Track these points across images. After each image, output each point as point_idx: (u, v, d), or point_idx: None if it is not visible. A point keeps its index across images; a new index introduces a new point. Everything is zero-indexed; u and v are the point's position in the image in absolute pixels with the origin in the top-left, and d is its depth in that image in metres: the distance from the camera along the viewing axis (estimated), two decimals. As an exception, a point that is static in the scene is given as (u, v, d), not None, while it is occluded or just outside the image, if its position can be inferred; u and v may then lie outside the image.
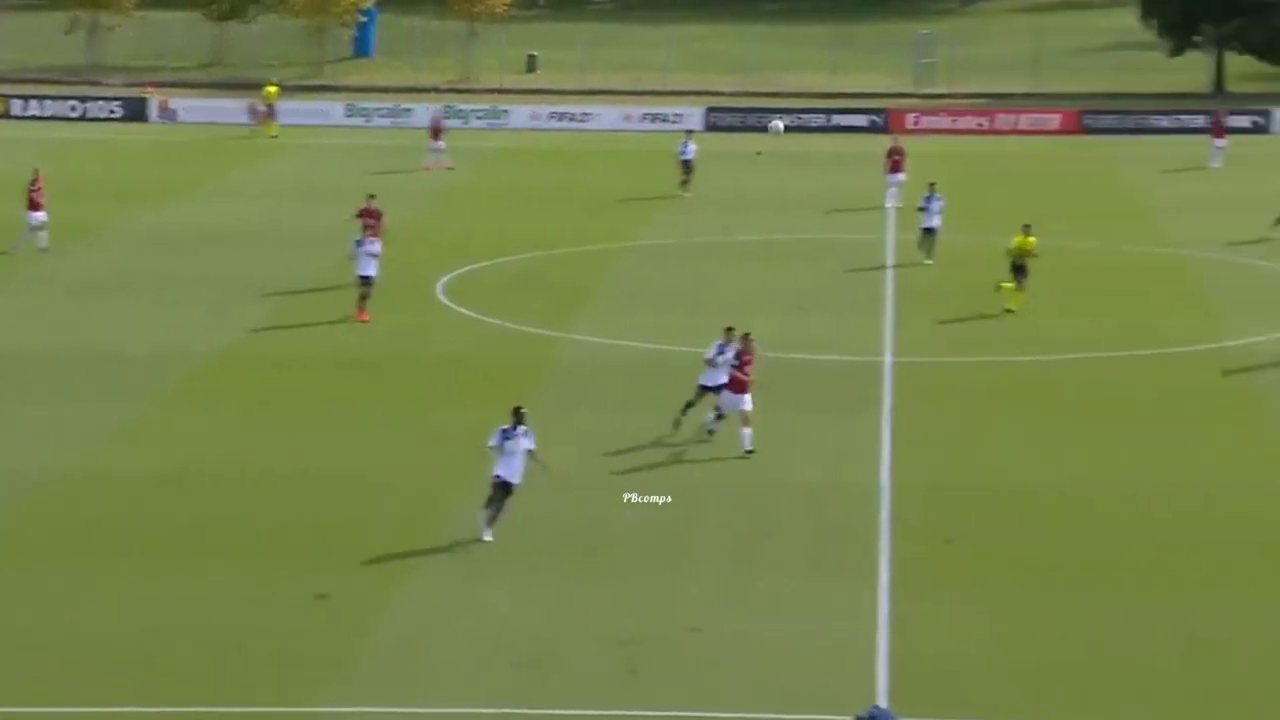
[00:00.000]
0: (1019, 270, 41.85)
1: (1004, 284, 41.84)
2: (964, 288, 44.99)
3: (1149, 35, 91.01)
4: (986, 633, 24.07)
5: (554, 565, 26.46)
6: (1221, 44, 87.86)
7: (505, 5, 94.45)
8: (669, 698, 22.12)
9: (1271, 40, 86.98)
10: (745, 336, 31.79)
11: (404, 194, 56.96)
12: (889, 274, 47.28)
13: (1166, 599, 25.27)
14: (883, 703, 21.23)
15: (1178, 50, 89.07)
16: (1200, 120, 75.50)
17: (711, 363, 31.84)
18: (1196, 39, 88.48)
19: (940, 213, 47.72)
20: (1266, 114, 77.00)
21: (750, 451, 30.99)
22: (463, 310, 43.17)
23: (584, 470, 30.38)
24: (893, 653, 23.34)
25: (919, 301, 43.98)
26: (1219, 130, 67.27)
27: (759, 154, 68.81)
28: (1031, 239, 42.22)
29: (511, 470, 26.82)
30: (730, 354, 31.62)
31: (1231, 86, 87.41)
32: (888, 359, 38.52)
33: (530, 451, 27.04)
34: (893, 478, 30.46)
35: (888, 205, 55.79)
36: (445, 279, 46.23)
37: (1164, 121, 77.91)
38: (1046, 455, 31.87)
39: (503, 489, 26.84)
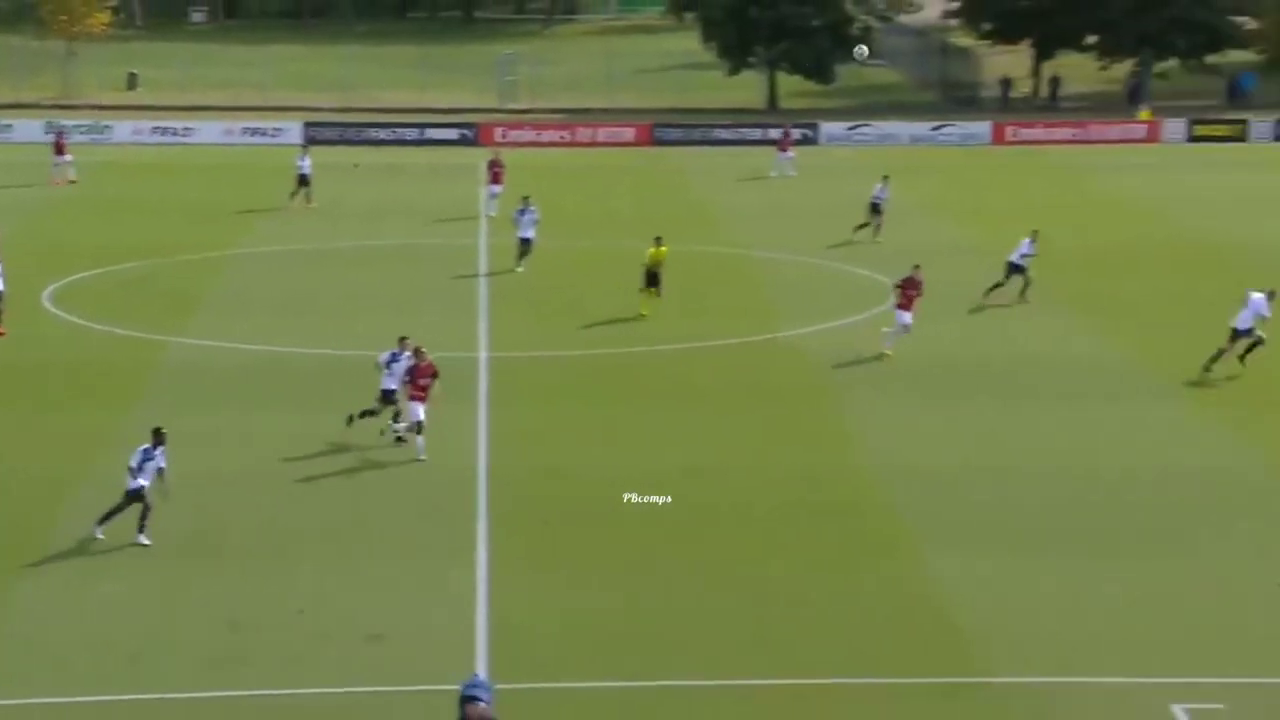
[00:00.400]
0: (652, 277, 42.28)
1: (644, 304, 42.26)
2: (553, 289, 45.52)
3: (710, 56, 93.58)
4: (577, 603, 24.42)
5: (168, 560, 25.79)
6: (773, 65, 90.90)
7: (103, 25, 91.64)
8: (277, 679, 21.87)
9: (817, 61, 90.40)
10: (417, 350, 31.06)
11: (6, 207, 54.70)
12: (483, 278, 47.42)
13: (733, 565, 25.98)
14: (481, 672, 21.34)
15: (735, 70, 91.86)
16: (757, 133, 78.43)
17: (386, 368, 31.17)
18: (751, 60, 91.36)
19: (534, 224, 48.08)
20: (815, 127, 79.96)
21: (421, 459, 30.47)
22: (70, 318, 41.71)
23: (197, 469, 29.67)
24: (491, 626, 23.51)
25: (512, 302, 44.28)
26: (785, 143, 69.41)
27: (356, 166, 68.40)
28: (664, 249, 42.68)
29: (142, 484, 26.09)
30: (404, 364, 30.98)
31: (784, 103, 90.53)
32: (483, 355, 38.69)
33: (161, 470, 26.34)
34: (489, 464, 30.60)
35: (487, 214, 56.00)
36: (52, 288, 44.60)
37: (726, 134, 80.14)
38: (627, 440, 32.41)
39: (132, 498, 26.09)
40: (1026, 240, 44.02)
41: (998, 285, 43.55)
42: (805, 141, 76.74)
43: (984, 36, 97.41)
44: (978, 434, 32.77)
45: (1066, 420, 33.53)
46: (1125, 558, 26.19)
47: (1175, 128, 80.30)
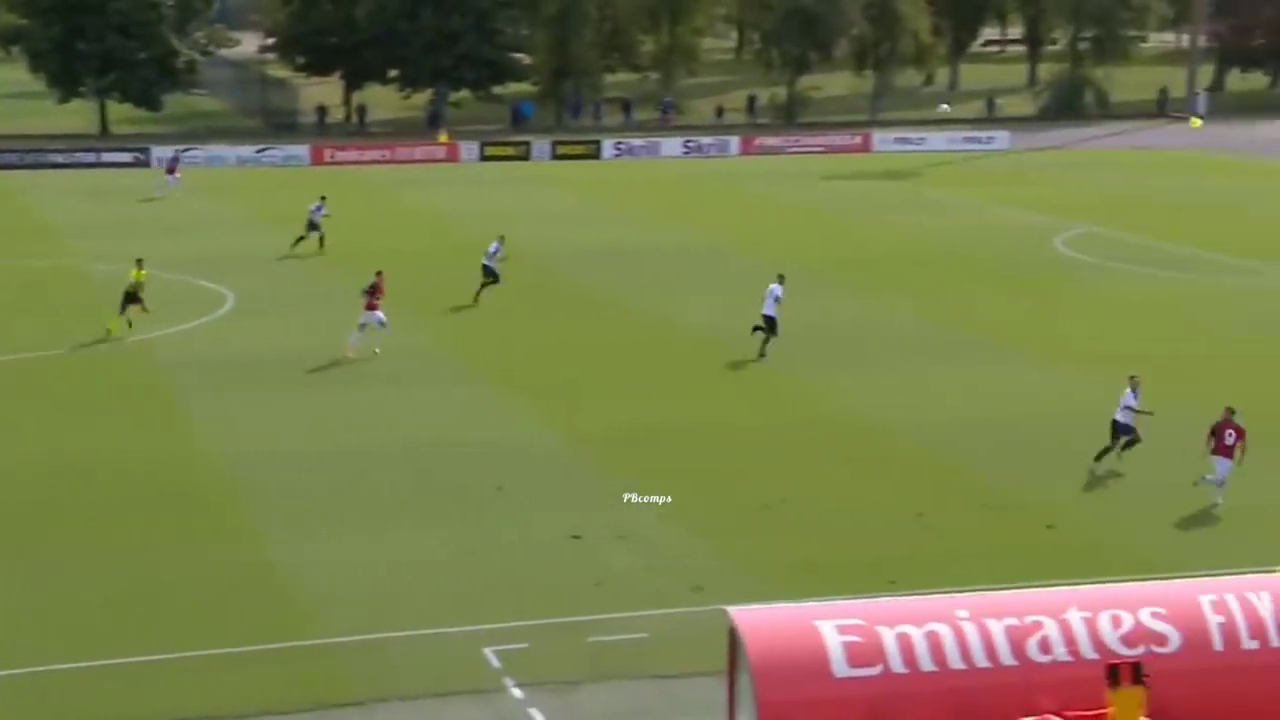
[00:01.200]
0: (130, 298, 39.22)
1: (114, 323, 39.11)
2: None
3: (40, 86, 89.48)
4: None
5: None
6: (102, 94, 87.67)
7: None
8: None
9: (145, 91, 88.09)
10: None
11: None
12: None
13: (84, 552, 24.82)
14: None
15: (65, 99, 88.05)
16: (91, 156, 75.77)
17: None
18: (82, 89, 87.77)
19: None
20: (146, 150, 77.42)
21: None
22: None
23: None
24: None
25: None
26: (172, 168, 67.45)
27: None
28: (144, 272, 39.95)
29: None
30: None
31: (117, 129, 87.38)
32: None
33: None
34: None
35: None
36: None
37: (60, 158, 76.69)
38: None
39: None
40: (495, 243, 44.36)
41: (485, 285, 43.44)
42: (137, 164, 74.28)
43: (299, 69, 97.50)
44: (311, 419, 32.46)
45: (392, 402, 33.64)
46: (443, 523, 26.54)
47: (470, 149, 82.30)
